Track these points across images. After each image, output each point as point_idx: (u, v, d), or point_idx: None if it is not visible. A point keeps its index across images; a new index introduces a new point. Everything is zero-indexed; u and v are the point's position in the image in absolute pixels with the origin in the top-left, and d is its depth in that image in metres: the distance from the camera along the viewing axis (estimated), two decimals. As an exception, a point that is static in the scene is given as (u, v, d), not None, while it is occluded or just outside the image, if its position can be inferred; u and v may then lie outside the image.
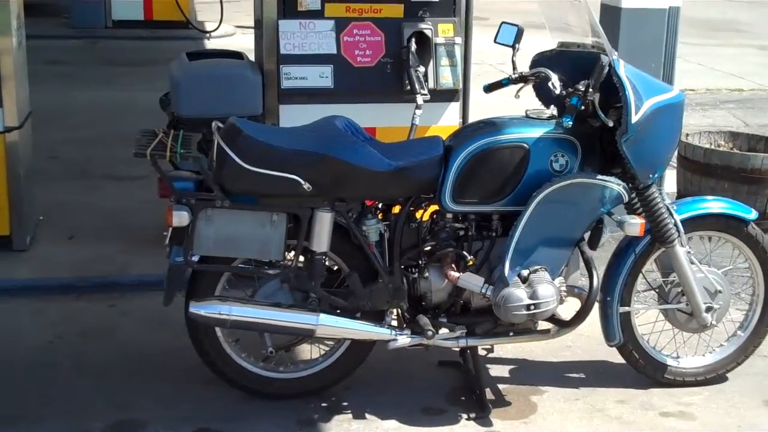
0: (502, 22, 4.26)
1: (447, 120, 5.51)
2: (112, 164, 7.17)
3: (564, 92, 3.77)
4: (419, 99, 5.17)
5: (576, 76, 3.88)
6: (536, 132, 3.79)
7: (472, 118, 5.69)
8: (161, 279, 3.80)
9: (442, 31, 5.39)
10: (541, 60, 4.13)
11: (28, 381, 4.09)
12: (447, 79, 5.39)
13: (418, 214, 3.92)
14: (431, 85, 5.34)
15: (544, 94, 4.12)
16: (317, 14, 5.25)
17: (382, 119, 5.39)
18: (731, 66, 12.37)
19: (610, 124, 3.70)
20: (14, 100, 5.16)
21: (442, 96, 5.42)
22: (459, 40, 5.42)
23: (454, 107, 5.52)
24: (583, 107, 3.69)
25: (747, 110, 9.96)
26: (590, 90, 3.68)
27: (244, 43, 12.65)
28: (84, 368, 4.22)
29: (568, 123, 3.63)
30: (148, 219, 5.80)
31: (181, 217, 3.62)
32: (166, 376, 4.14)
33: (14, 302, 4.89)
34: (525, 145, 3.76)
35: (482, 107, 5.85)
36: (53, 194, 6.35)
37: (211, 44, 12.68)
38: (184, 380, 4.08)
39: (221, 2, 12.70)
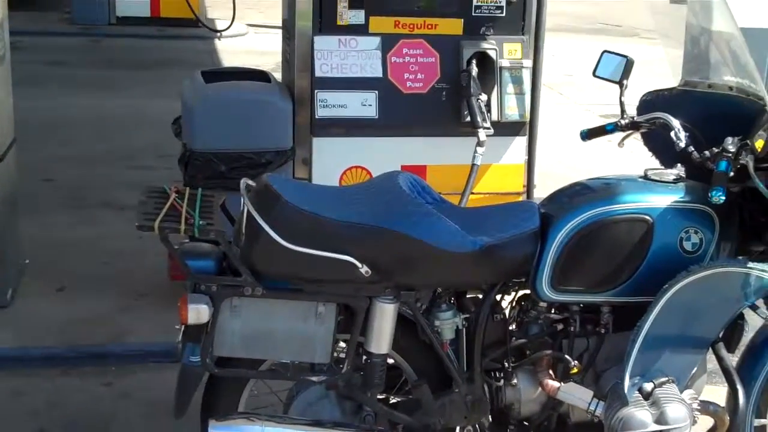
0: (604, 51, 3.38)
1: (511, 158, 4.67)
2: (113, 189, 6.30)
3: (701, 154, 2.89)
4: (481, 134, 4.33)
5: (702, 125, 3.02)
6: (662, 200, 2.90)
7: (540, 155, 4.88)
8: (169, 348, 2.98)
9: (509, 51, 4.54)
10: (655, 101, 3.26)
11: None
12: (513, 109, 4.54)
13: (503, 303, 3.04)
14: (494, 116, 4.48)
15: (657, 144, 3.25)
16: (360, 29, 4.40)
17: (435, 156, 4.57)
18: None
19: (775, 196, 2.80)
20: (-7, 128, 4.28)
21: (505, 129, 4.56)
22: (528, 62, 4.55)
23: (520, 142, 4.68)
24: (732, 173, 2.80)
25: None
26: (744, 151, 2.79)
27: (256, 43, 11.84)
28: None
29: (720, 197, 2.72)
30: (153, 262, 4.94)
31: (199, 312, 2.73)
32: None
33: (-10, 377, 4.02)
34: (648, 218, 2.87)
35: (545, 145, 4.99)
36: (43, 228, 5.48)
37: (222, 44, 11.82)
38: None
39: (234, -1, 11.84)
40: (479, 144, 4.31)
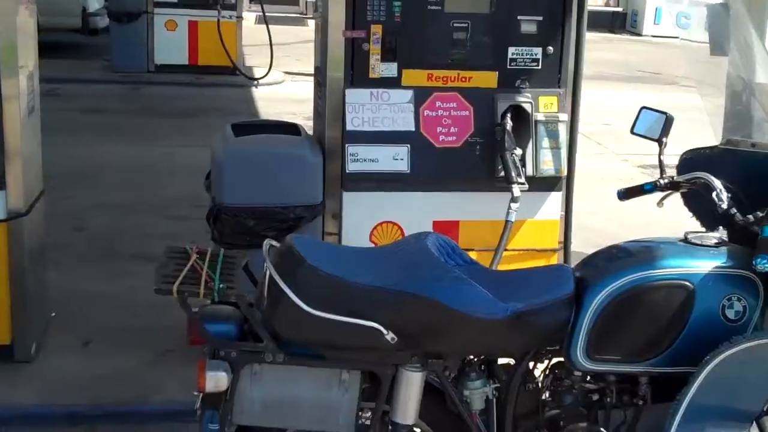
0: (642, 107, 3.27)
1: (546, 213, 4.56)
2: (145, 240, 6.21)
3: (745, 217, 2.77)
4: (515, 190, 4.22)
5: (745, 185, 2.91)
6: (703, 265, 2.77)
7: (576, 207, 4.75)
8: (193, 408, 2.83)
9: (544, 105, 4.44)
10: (695, 160, 3.14)
11: None
12: (549, 164, 4.43)
13: (536, 371, 2.92)
14: (529, 171, 4.37)
15: (698, 205, 3.13)
16: (392, 82, 4.32)
17: (468, 211, 4.46)
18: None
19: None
20: (20, 180, 4.21)
21: (541, 184, 4.45)
22: (564, 116, 4.45)
23: (556, 198, 4.56)
24: (778, 239, 2.67)
25: None
26: None
27: (293, 91, 11.83)
28: None
29: (765, 266, 2.60)
30: (182, 317, 4.82)
31: (217, 380, 2.64)
32: None
33: (11, 435, 3.94)
34: (688, 284, 2.74)
35: (581, 196, 4.87)
36: (72, 280, 5.41)
37: (259, 92, 11.83)
38: None
39: (271, 47, 11.82)
40: (513, 200, 4.20)
